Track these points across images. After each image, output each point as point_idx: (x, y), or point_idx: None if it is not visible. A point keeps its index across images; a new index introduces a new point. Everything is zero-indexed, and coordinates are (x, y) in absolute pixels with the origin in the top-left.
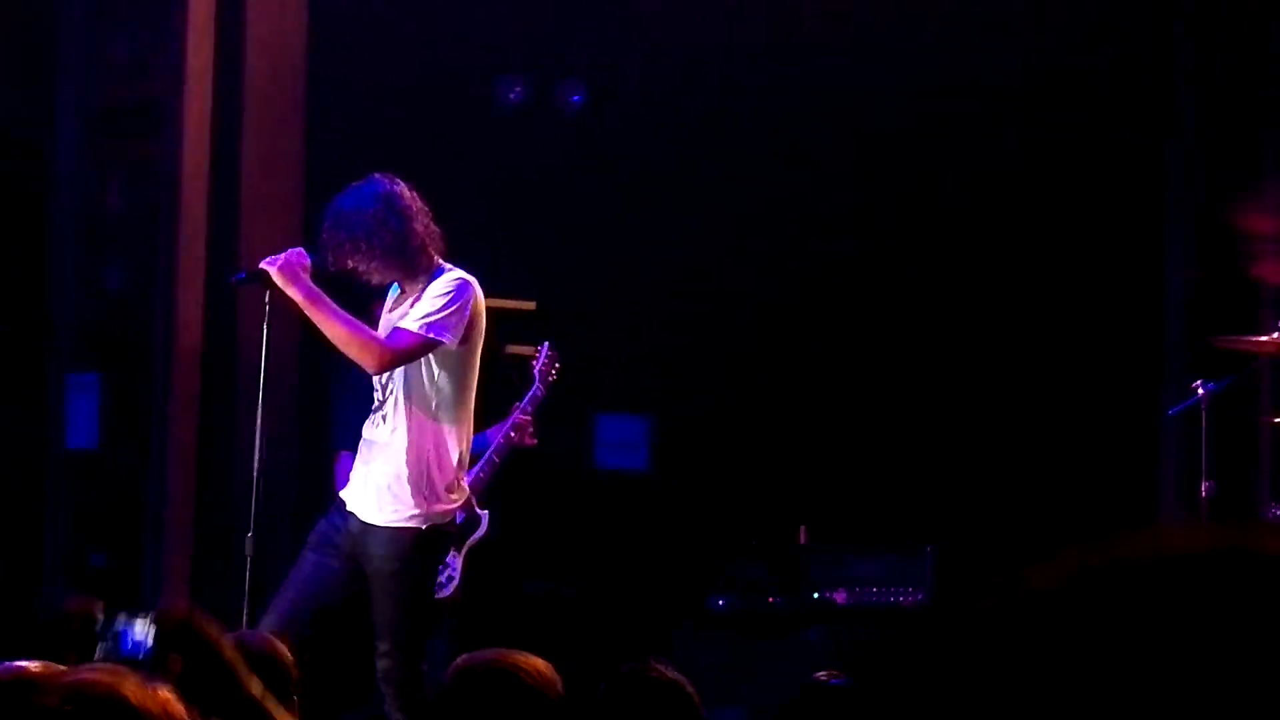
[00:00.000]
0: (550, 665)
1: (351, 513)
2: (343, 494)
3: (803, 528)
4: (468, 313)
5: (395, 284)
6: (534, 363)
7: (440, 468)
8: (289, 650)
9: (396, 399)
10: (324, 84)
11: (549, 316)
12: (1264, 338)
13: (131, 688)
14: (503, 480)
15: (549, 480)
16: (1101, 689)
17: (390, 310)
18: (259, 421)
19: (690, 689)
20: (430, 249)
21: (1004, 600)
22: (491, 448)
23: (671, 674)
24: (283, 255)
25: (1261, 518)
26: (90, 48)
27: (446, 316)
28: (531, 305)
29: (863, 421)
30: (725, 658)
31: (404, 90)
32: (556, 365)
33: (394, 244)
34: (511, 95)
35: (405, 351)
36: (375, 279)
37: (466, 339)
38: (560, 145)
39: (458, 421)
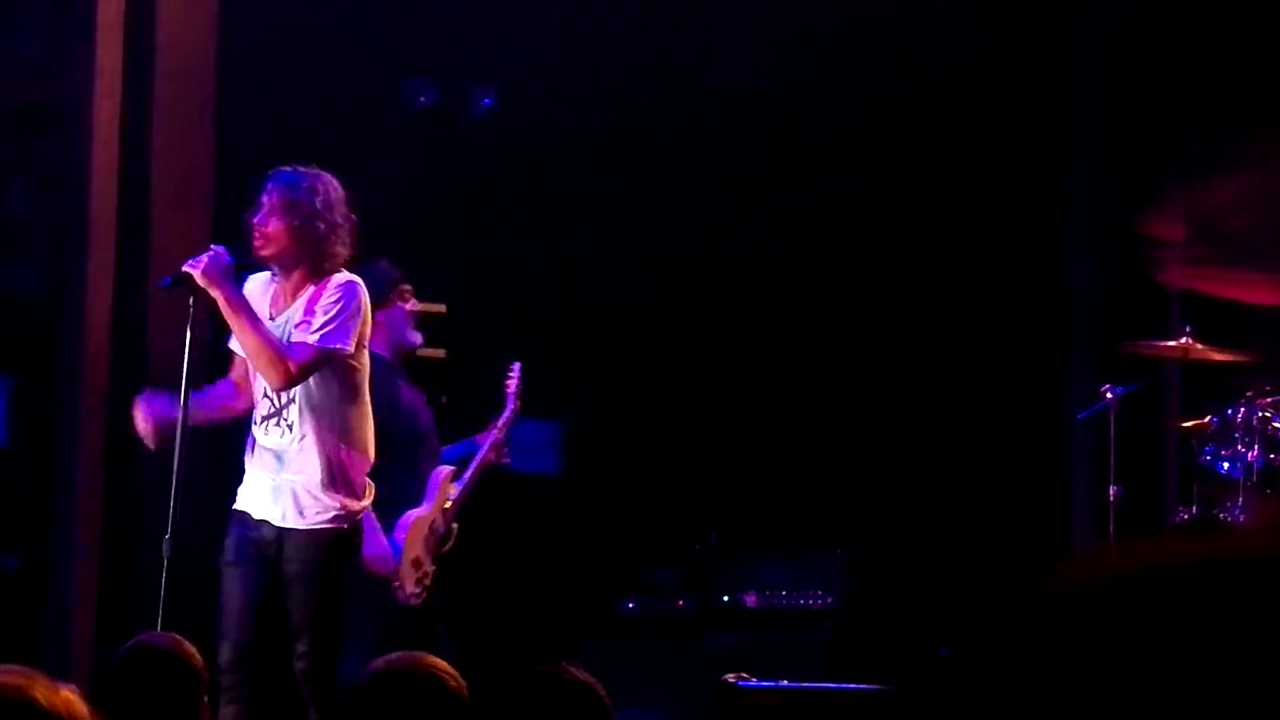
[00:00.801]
0: (455, 670)
1: (263, 520)
2: (244, 505)
3: (713, 531)
4: (361, 315)
5: (268, 273)
6: (507, 382)
7: (354, 467)
8: (197, 652)
9: (299, 404)
10: (234, 84)
11: (458, 319)
12: (1171, 342)
13: (40, 689)
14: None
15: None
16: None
17: (266, 302)
18: (180, 425)
19: (601, 691)
20: (343, 259)
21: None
22: (471, 468)
23: (583, 676)
24: (206, 256)
25: (1169, 522)
26: None
27: (342, 324)
28: (442, 308)
29: (772, 425)
30: (635, 660)
31: (315, 91)
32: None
33: (321, 239)
34: (421, 98)
35: (308, 366)
36: (282, 265)
37: (361, 340)
38: (469, 149)
39: (363, 419)
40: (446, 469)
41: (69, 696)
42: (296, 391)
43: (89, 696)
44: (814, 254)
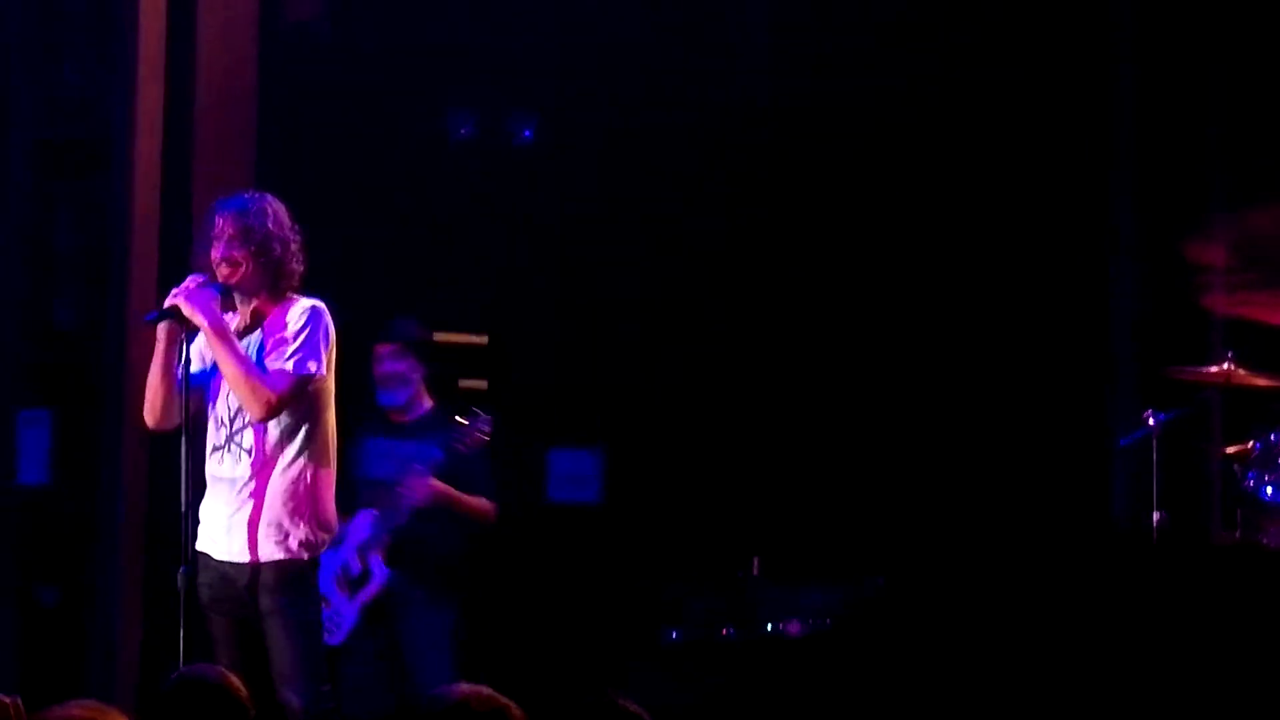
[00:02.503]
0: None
1: (227, 560)
2: (205, 545)
3: (755, 559)
4: (330, 338)
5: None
6: (478, 426)
7: (319, 498)
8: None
9: (260, 433)
10: (275, 119)
11: (500, 351)
12: (1213, 368)
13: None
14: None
15: (503, 514)
16: None
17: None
18: (183, 456)
19: None
20: (298, 275)
21: None
22: (403, 511)
23: (633, 707)
24: (186, 284)
25: (1211, 545)
26: (41, 85)
27: (314, 348)
28: (483, 339)
29: (815, 452)
30: (680, 690)
31: (356, 124)
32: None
33: (279, 260)
34: (463, 129)
35: (287, 395)
36: (245, 290)
37: (329, 364)
38: (510, 179)
39: (326, 447)
40: (373, 512)
41: None
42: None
43: None
44: (857, 281)
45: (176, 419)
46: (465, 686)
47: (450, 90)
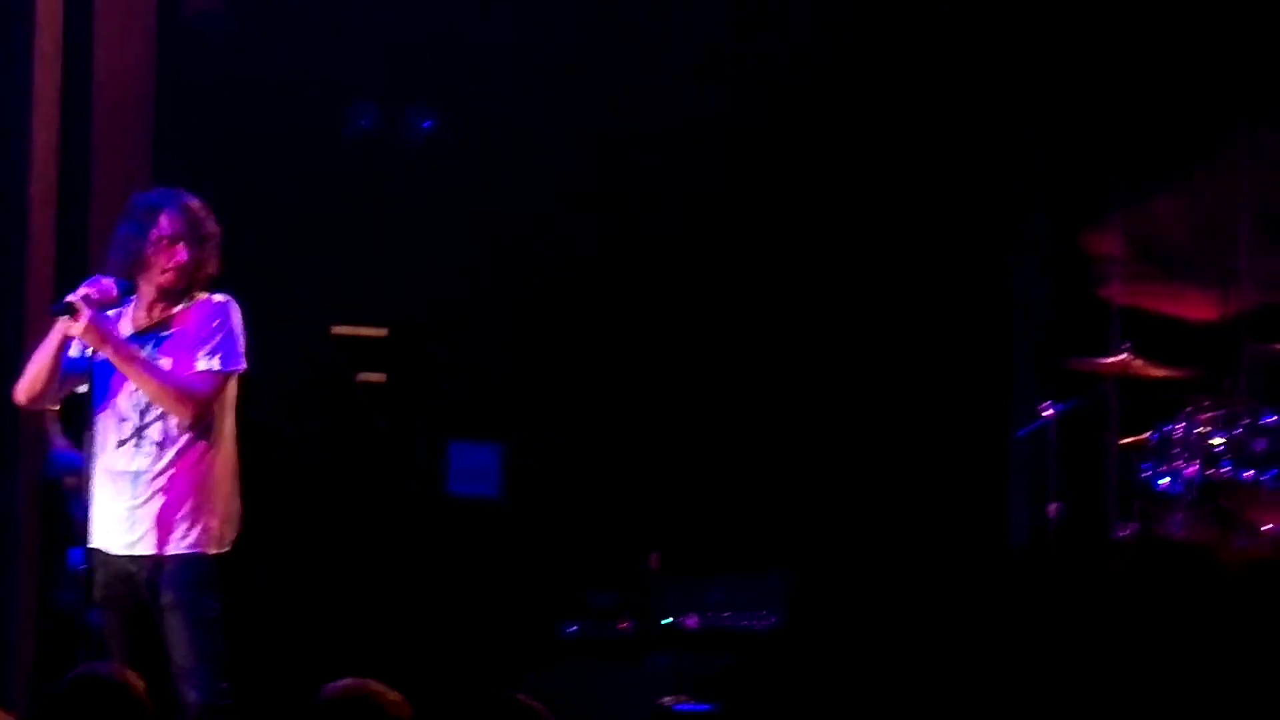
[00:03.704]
0: (404, 699)
1: (127, 555)
2: (101, 541)
3: (654, 554)
4: (241, 330)
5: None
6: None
7: (225, 492)
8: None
9: (167, 426)
10: (173, 110)
11: (400, 344)
12: (1110, 359)
13: None
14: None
15: (401, 508)
16: None
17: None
18: (87, 455)
19: (549, 717)
20: (210, 272)
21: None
22: None
23: (533, 703)
24: (86, 289)
25: (1108, 536)
26: None
27: (233, 343)
28: (383, 332)
29: (715, 446)
30: (578, 684)
31: (254, 117)
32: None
33: (207, 256)
34: (363, 122)
35: (213, 394)
36: (169, 289)
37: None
38: (410, 171)
39: (232, 441)
40: None
41: None
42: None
43: None
44: (760, 275)
45: (49, 403)
46: (346, 681)
47: (351, 82)
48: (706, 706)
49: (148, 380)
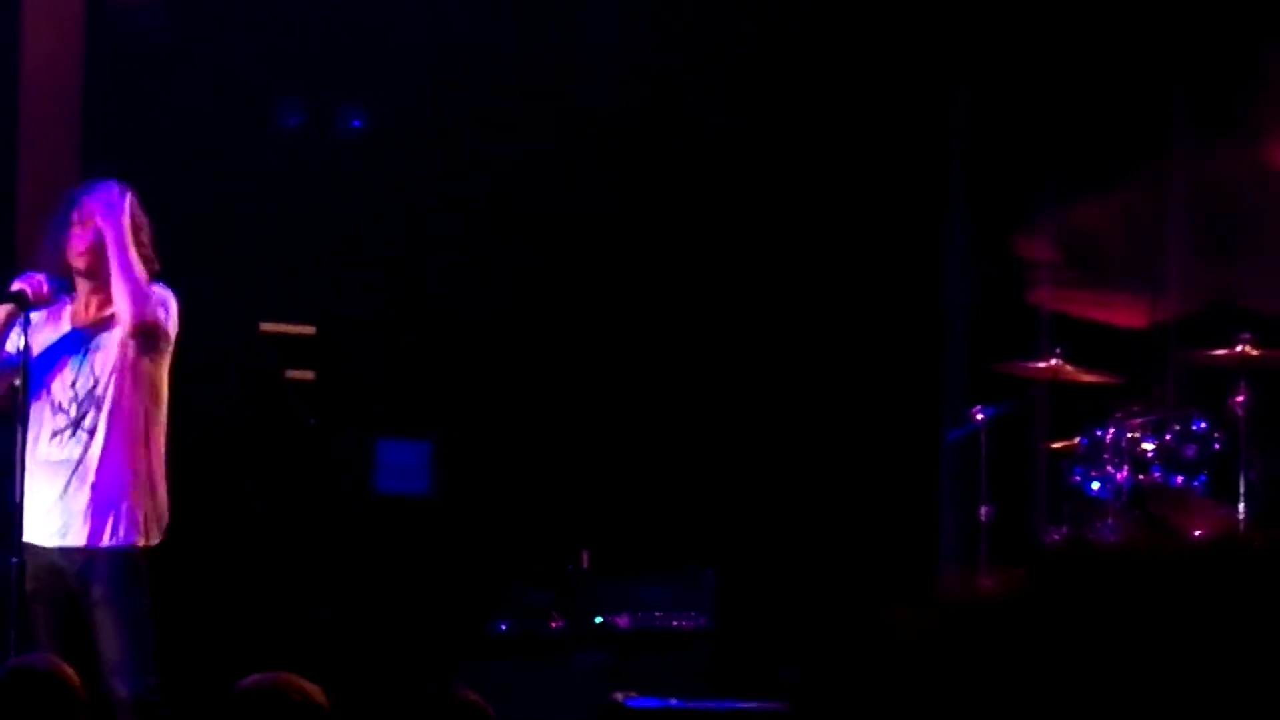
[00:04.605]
0: (321, 689)
1: (58, 547)
2: (32, 535)
3: (585, 552)
4: (176, 322)
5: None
6: None
7: (156, 486)
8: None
9: (103, 414)
10: (101, 104)
11: (328, 342)
12: (1040, 364)
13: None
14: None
15: (330, 505)
16: None
17: (64, 318)
18: (19, 444)
19: (490, 711)
20: (151, 263)
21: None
22: None
23: (473, 696)
24: (20, 284)
25: (1038, 541)
26: None
27: (168, 314)
28: (311, 330)
29: (646, 446)
30: (508, 681)
31: (183, 112)
32: None
33: (147, 256)
34: (291, 119)
35: (164, 320)
36: (95, 277)
37: (171, 346)
38: (339, 169)
39: (162, 435)
40: None
41: None
42: (105, 400)
43: None
44: (695, 277)
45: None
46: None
47: (280, 79)
48: (657, 702)
49: (133, 269)
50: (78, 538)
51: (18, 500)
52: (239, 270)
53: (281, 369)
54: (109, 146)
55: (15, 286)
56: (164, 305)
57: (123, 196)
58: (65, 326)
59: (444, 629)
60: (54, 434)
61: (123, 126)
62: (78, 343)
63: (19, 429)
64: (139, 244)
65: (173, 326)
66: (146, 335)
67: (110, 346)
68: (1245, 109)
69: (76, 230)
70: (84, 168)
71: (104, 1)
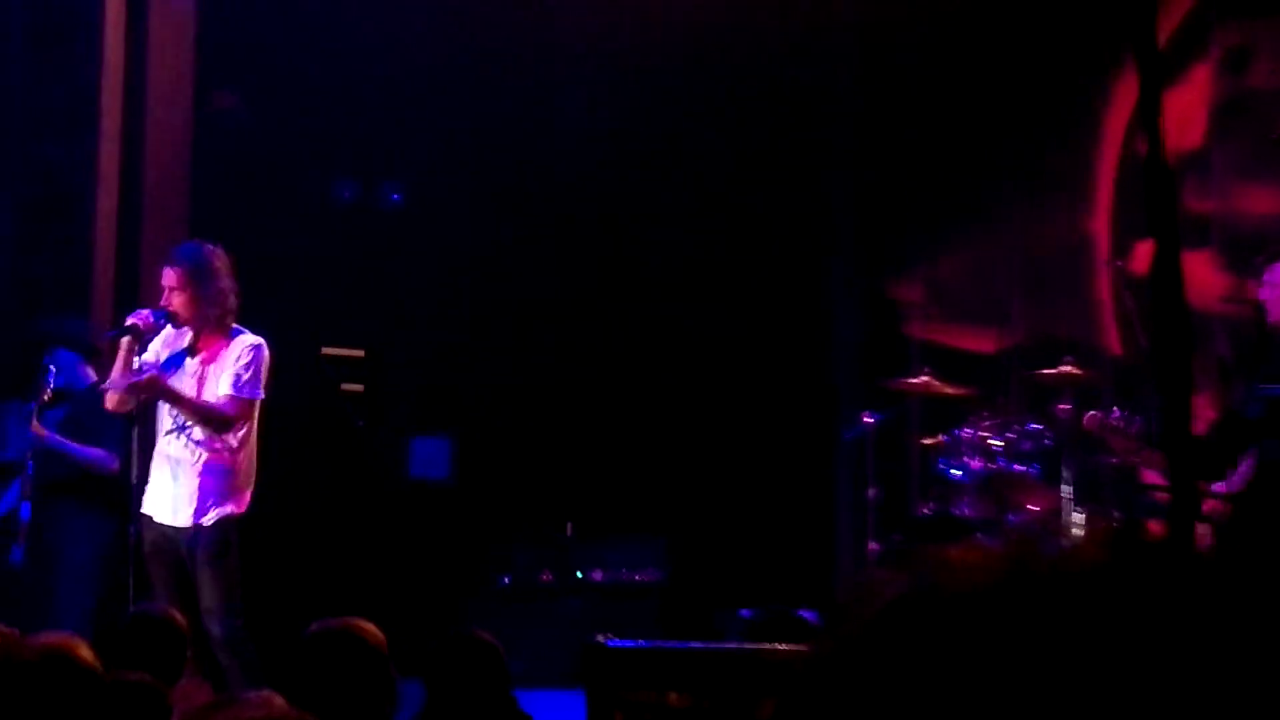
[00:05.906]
0: (380, 632)
1: (166, 523)
2: (150, 509)
3: (569, 522)
4: (266, 368)
5: (171, 327)
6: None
7: (251, 470)
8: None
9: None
10: (203, 184)
11: (374, 362)
12: (914, 380)
13: (83, 649)
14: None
15: (373, 487)
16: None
17: (183, 342)
18: (136, 438)
19: (500, 649)
20: (235, 310)
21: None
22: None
23: (488, 637)
24: (133, 319)
25: (913, 514)
26: (26, 154)
27: (254, 376)
28: (361, 353)
29: (615, 443)
30: (509, 622)
31: (264, 187)
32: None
33: (215, 296)
34: (346, 193)
35: (237, 415)
36: (188, 324)
37: (266, 385)
38: (382, 231)
39: (253, 433)
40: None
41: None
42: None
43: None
44: (652, 305)
45: (130, 406)
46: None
47: (335, 162)
48: (632, 643)
49: (189, 410)
50: (184, 518)
51: (134, 481)
52: (306, 308)
53: (338, 383)
54: (211, 214)
55: (129, 321)
56: (254, 361)
57: (209, 257)
58: (182, 346)
59: (460, 583)
60: (167, 432)
61: (221, 192)
62: (187, 367)
63: (136, 426)
64: (219, 291)
65: (264, 370)
66: (235, 425)
67: (210, 381)
68: (1057, 176)
69: (169, 282)
70: (192, 230)
71: (205, 102)
